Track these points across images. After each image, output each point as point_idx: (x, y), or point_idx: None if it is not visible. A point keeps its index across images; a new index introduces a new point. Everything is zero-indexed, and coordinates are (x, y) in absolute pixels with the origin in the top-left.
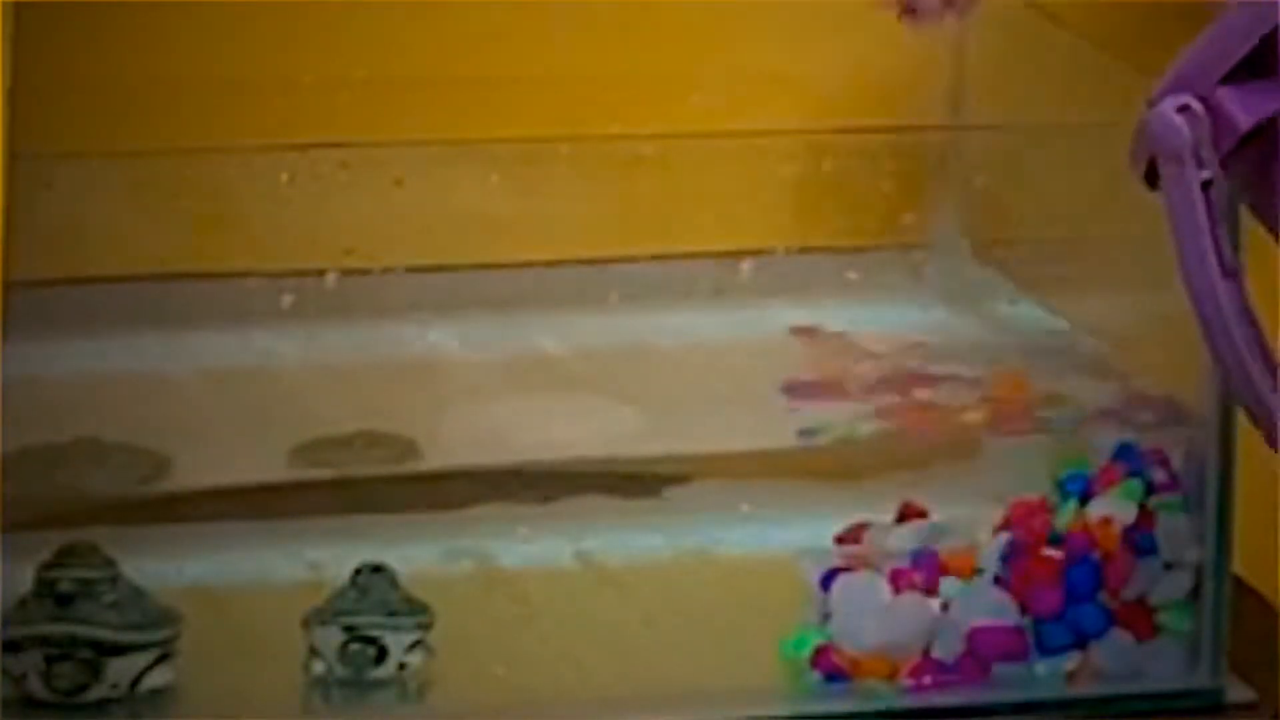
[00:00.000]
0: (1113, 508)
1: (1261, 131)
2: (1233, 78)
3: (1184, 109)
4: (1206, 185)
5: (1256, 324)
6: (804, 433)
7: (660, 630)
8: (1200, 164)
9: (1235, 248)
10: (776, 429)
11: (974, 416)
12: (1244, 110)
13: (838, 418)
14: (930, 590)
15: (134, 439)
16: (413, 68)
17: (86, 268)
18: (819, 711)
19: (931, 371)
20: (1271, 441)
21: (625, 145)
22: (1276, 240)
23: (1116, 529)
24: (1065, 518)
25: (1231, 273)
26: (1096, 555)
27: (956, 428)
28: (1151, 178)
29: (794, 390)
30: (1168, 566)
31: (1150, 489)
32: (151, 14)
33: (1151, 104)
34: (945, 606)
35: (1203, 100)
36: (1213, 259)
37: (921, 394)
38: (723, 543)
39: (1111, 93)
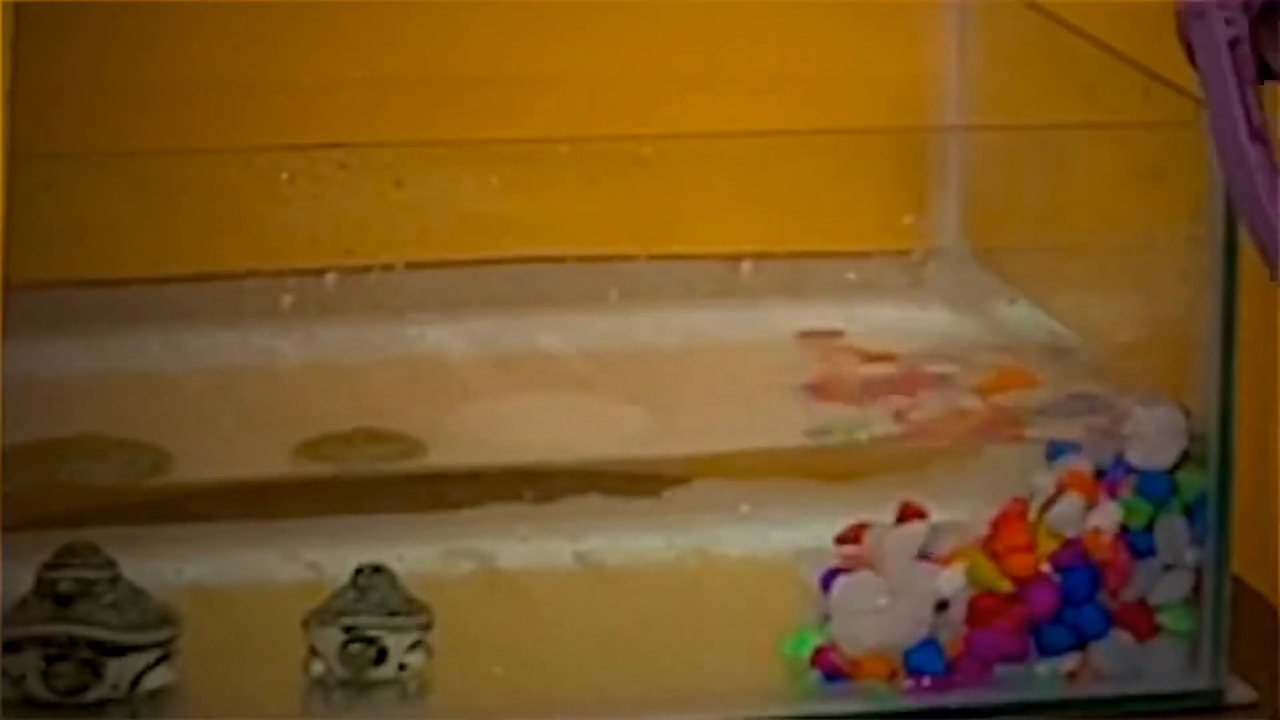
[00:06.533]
0: (1110, 512)
1: None
2: None
3: None
4: (1234, 44)
5: None
6: (805, 433)
7: (660, 630)
8: (1228, 22)
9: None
10: (777, 429)
11: (974, 418)
12: None
13: (839, 419)
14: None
15: (134, 438)
16: (413, 68)
17: (86, 268)
18: (819, 711)
19: (931, 373)
20: None
21: (625, 145)
22: None
23: (1113, 534)
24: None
25: (1259, 136)
26: (1094, 560)
27: (956, 429)
28: (1191, 51)
29: (796, 391)
30: (1167, 567)
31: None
32: (151, 14)
33: None
34: (945, 606)
35: None
36: (1241, 119)
37: (922, 395)
38: (723, 543)
39: (1111, 93)
